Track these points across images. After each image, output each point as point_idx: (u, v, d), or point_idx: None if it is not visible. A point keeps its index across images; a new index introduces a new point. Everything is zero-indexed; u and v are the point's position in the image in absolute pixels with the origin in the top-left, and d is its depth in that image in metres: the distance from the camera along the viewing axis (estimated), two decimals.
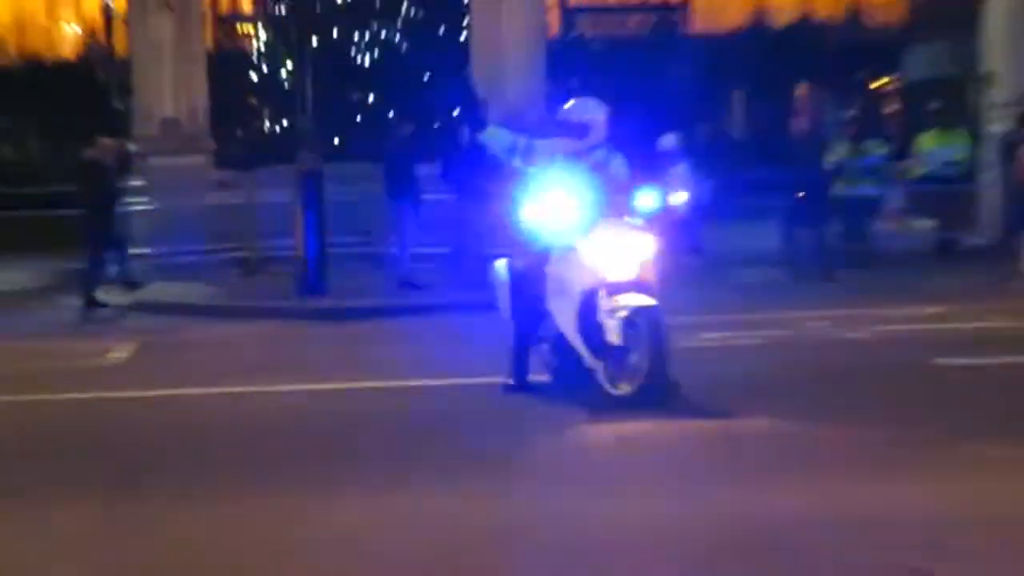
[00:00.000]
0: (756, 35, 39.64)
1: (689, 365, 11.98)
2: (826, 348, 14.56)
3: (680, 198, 12.20)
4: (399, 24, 31.47)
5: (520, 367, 12.16)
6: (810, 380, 12.64)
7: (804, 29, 38.20)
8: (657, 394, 11.27)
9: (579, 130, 11.93)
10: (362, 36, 31.60)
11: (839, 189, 21.50)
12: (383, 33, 31.55)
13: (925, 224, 25.46)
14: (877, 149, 22.21)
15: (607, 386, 11.50)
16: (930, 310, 16.82)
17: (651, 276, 11.65)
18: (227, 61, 29.95)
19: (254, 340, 16.54)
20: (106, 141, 21.61)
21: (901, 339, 14.98)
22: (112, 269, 20.43)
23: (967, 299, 17.53)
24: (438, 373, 12.88)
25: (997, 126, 23.72)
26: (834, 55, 34.26)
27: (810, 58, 32.81)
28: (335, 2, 31.78)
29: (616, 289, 11.48)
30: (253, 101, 32.32)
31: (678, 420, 11.00)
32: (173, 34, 23.17)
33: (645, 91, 28.46)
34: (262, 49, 32.63)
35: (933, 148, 22.87)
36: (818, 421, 10.94)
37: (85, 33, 45.62)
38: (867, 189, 21.76)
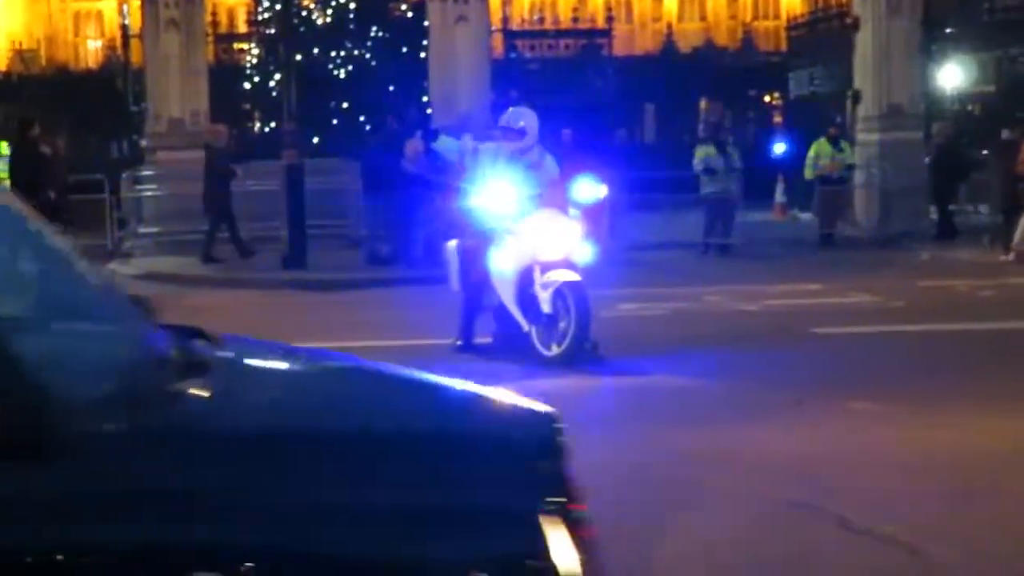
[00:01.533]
0: (666, 58, 39.88)
1: (610, 330, 12.07)
2: (721, 318, 14.56)
3: (602, 191, 12.23)
4: (369, 44, 31.41)
5: (468, 331, 12.15)
6: (705, 344, 12.62)
7: (706, 54, 38.42)
8: (581, 355, 11.32)
9: (517, 133, 11.94)
10: (338, 53, 31.52)
11: (705, 186, 21.38)
12: (356, 51, 31.47)
13: (808, 217, 25.60)
14: (734, 152, 21.95)
15: (540, 348, 11.53)
16: (809, 287, 16.86)
17: (577, 256, 11.67)
18: (225, 73, 29.88)
19: (242, 306, 16.39)
20: (219, 127, 21.55)
21: (785, 311, 14.90)
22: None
23: (839, 279, 17.53)
24: (399, 335, 12.82)
25: (865, 135, 23.81)
26: (730, 76, 34.43)
27: (711, 78, 33.00)
28: (316, 24, 31.68)
29: (548, 267, 11.51)
30: (246, 106, 32.27)
31: (597, 377, 11.05)
32: (179, 49, 23.03)
33: (575, 103, 28.43)
34: (254, 63, 32.56)
35: (821, 154, 22.70)
36: (710, 377, 11.01)
37: (106, 47, 45.39)
38: (728, 186, 21.47)
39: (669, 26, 60.43)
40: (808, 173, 23.02)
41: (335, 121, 30.30)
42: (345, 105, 30.73)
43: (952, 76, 29.46)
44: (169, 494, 3.12)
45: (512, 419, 4.06)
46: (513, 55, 32.11)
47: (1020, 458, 8.24)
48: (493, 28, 27.97)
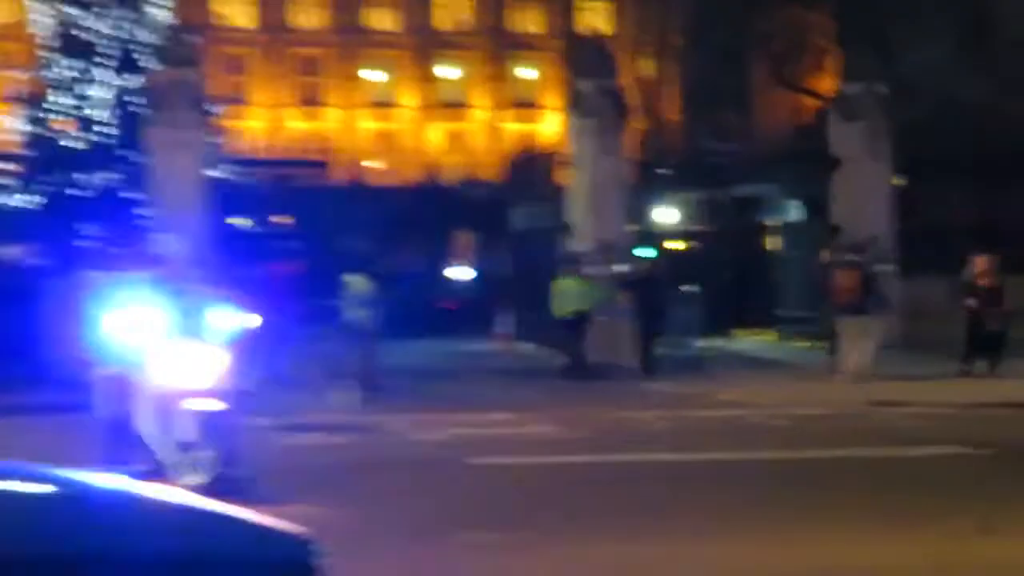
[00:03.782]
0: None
1: (283, 462, 12.10)
2: (390, 447, 14.44)
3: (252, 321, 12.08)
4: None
5: (113, 453, 11.66)
6: (359, 472, 12.54)
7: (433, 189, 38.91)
8: (226, 484, 10.97)
9: (155, 261, 11.72)
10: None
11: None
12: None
13: (529, 348, 25.82)
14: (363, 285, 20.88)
15: (179, 478, 11.16)
16: (500, 416, 16.81)
17: (223, 384, 11.43)
18: None
19: None
20: None
21: (459, 439, 14.84)
22: None
23: (534, 408, 17.54)
24: None
25: (588, 268, 23.95)
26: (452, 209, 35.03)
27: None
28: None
29: (189, 396, 11.24)
30: None
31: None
32: None
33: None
34: None
35: (567, 291, 22.61)
36: (344, 506, 10.88)
37: None
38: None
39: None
40: (557, 310, 22.63)
41: None
42: None
43: (664, 214, 30.33)
44: None
45: (266, 541, 3.92)
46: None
47: None
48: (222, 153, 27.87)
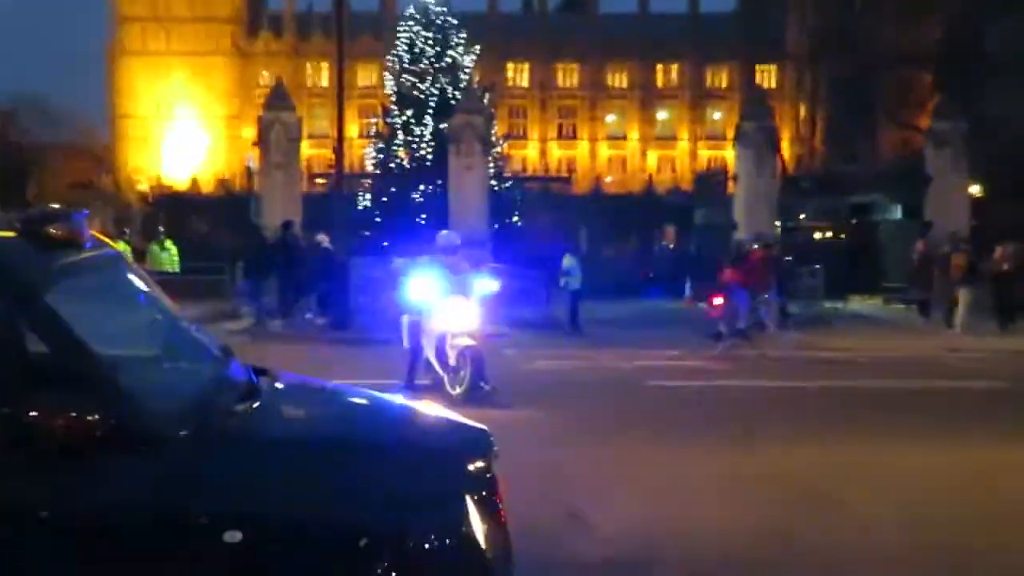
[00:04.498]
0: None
1: (521, 379, 12.04)
2: (594, 371, 14.36)
3: (494, 286, 12.30)
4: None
5: (410, 375, 12.08)
6: (576, 390, 12.44)
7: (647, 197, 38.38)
8: (475, 395, 11.25)
9: (441, 250, 11.94)
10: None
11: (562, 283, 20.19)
12: None
13: (703, 305, 25.30)
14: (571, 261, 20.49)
15: (449, 389, 11.48)
16: (673, 352, 16.44)
17: (474, 328, 11.65)
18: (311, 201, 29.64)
19: None
20: None
21: (640, 370, 14.50)
22: None
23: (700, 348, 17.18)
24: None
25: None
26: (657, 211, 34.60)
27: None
28: None
29: (456, 335, 11.50)
30: None
31: (481, 410, 10.83)
32: None
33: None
34: None
35: None
36: (563, 412, 10.84)
37: None
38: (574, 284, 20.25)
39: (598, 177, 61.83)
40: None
41: None
42: None
43: (802, 214, 29.43)
44: (208, 476, 3.29)
45: (457, 431, 4.14)
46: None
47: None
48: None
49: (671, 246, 34.69)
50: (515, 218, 30.59)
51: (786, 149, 65.70)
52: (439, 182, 27.59)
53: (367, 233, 28.17)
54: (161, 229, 24.45)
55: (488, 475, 3.80)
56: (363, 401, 4.29)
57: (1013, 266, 19.88)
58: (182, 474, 3.26)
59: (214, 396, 3.72)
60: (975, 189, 24.91)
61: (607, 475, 8.07)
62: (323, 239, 19.82)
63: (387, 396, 4.43)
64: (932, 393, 12.61)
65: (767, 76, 71.98)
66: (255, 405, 3.76)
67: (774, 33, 66.82)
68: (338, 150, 21.69)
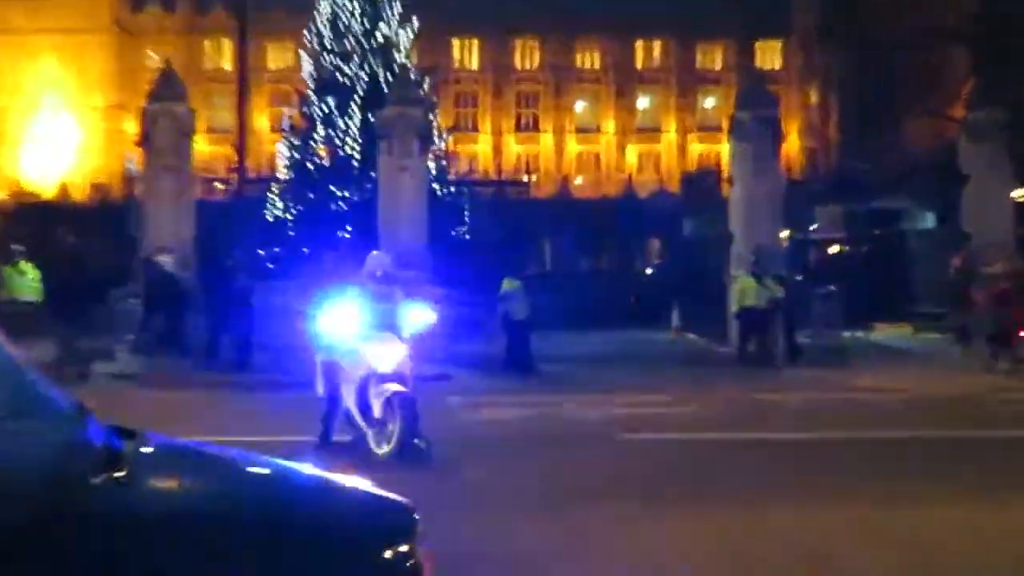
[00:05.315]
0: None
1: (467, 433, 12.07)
2: (559, 422, 14.26)
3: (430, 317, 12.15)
4: None
5: (326, 431, 11.95)
6: (534, 447, 12.34)
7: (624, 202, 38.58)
8: (407, 454, 11.09)
9: (366, 274, 11.87)
10: None
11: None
12: None
13: (693, 337, 25.47)
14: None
15: (375, 448, 11.36)
16: (656, 398, 16.45)
17: (405, 370, 11.53)
18: (208, 209, 29.56)
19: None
20: None
21: (613, 420, 14.42)
22: None
23: (688, 391, 17.18)
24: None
25: (737, 270, 23.53)
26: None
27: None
28: None
29: (381, 379, 11.36)
30: None
31: (414, 473, 10.73)
32: None
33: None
34: None
35: (748, 288, 21.61)
36: (517, 474, 10.76)
37: None
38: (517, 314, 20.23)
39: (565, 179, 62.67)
40: (735, 306, 21.65)
41: None
42: None
43: (812, 224, 29.64)
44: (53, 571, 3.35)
45: (372, 507, 4.13)
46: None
47: None
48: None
49: (658, 262, 34.87)
50: (462, 231, 30.51)
51: (793, 143, 67.00)
52: (368, 187, 27.49)
53: (277, 250, 27.96)
54: (17, 248, 24.01)
55: (410, 562, 3.79)
56: (256, 470, 4.27)
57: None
58: (18, 571, 3.26)
59: (63, 468, 3.70)
60: (1021, 192, 25.14)
61: (573, 558, 7.90)
62: (166, 260, 19.80)
63: (287, 463, 4.39)
64: (974, 445, 12.58)
65: (769, 55, 72.77)
66: (117, 477, 3.75)
67: (777, 4, 67.62)
68: (240, 147, 21.50)
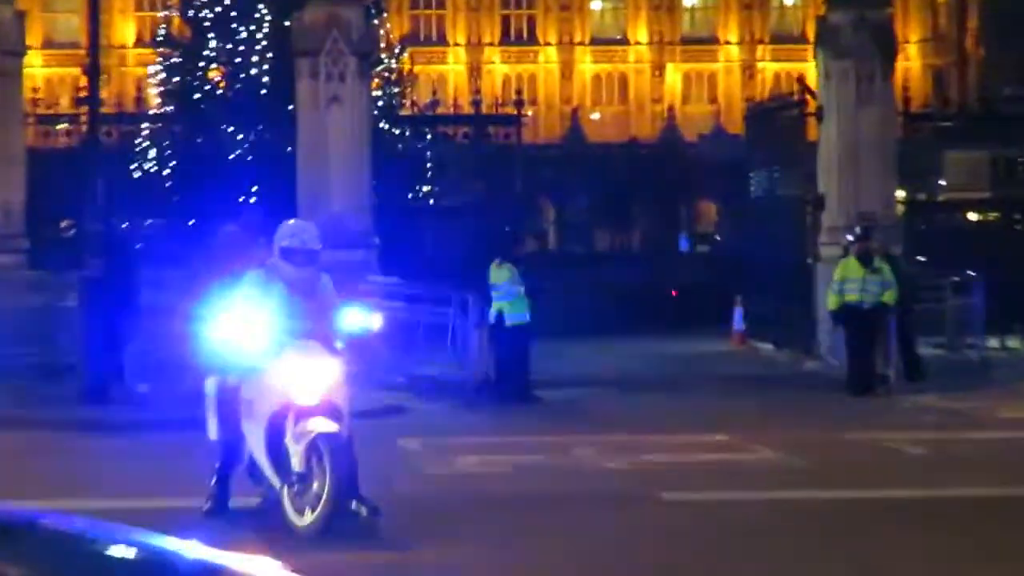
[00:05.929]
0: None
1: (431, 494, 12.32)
2: (562, 477, 14.32)
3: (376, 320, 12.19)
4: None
5: (222, 491, 12.01)
6: (531, 513, 12.40)
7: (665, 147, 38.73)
8: (340, 525, 11.12)
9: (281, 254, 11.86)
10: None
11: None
12: None
13: (766, 347, 25.67)
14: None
15: (292, 516, 11.34)
16: (711, 439, 16.59)
17: (339, 399, 11.55)
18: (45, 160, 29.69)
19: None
20: None
21: (649, 472, 14.60)
22: None
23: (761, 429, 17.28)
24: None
25: (828, 249, 23.67)
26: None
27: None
28: None
29: (303, 414, 11.36)
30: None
31: (350, 554, 10.78)
32: None
33: None
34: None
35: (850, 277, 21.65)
36: (504, 556, 10.84)
37: None
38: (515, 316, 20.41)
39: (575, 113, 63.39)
40: (832, 303, 21.47)
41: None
42: None
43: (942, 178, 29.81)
44: None
45: None
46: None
47: None
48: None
49: (712, 235, 35.05)
50: (424, 191, 30.63)
51: (914, 59, 67.11)
52: (282, 127, 27.60)
53: (149, 221, 27.99)
54: None
55: None
56: (118, 553, 4.36)
57: None
58: None
59: None
60: None
61: None
62: None
63: (164, 542, 4.44)
64: None
65: None
66: None
67: None
68: (92, 70, 21.54)
